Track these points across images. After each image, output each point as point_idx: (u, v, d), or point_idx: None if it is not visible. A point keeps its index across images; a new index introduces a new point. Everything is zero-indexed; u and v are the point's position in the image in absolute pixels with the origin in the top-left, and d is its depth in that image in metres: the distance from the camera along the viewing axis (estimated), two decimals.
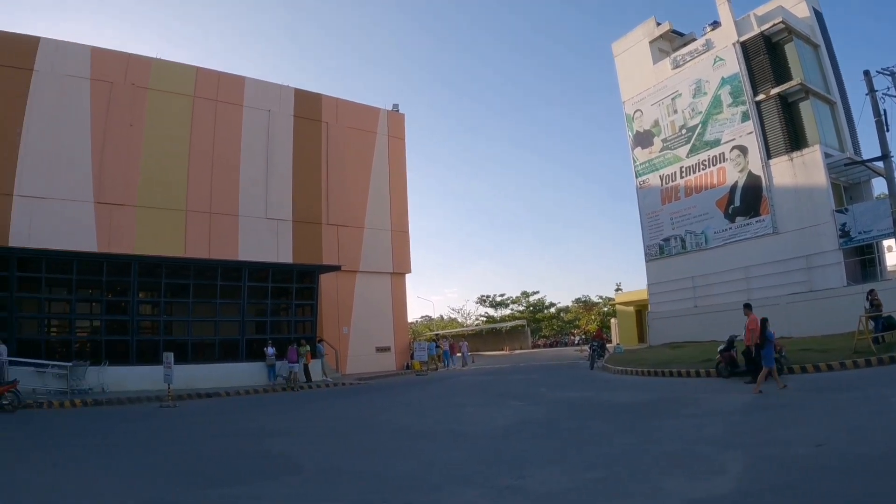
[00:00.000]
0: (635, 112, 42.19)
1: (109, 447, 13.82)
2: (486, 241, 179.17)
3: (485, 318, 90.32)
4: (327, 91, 35.90)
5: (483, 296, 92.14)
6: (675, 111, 39.40)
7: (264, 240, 34.41)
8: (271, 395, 26.13)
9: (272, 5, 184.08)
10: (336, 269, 33.76)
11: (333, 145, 38.22)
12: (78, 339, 27.87)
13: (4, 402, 19.71)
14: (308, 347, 29.79)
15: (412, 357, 38.03)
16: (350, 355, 36.85)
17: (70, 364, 24.52)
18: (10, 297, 25.64)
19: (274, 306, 31.84)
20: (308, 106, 37.89)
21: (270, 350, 29.17)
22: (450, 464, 10.37)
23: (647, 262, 41.15)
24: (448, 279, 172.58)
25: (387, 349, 38.99)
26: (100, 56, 32.61)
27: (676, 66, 39.51)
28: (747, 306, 18.91)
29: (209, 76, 35.20)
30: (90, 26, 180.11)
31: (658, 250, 40.28)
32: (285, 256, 34.63)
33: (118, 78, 32.58)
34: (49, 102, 30.83)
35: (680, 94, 39.15)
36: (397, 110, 41.98)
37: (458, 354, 44.32)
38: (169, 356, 23.05)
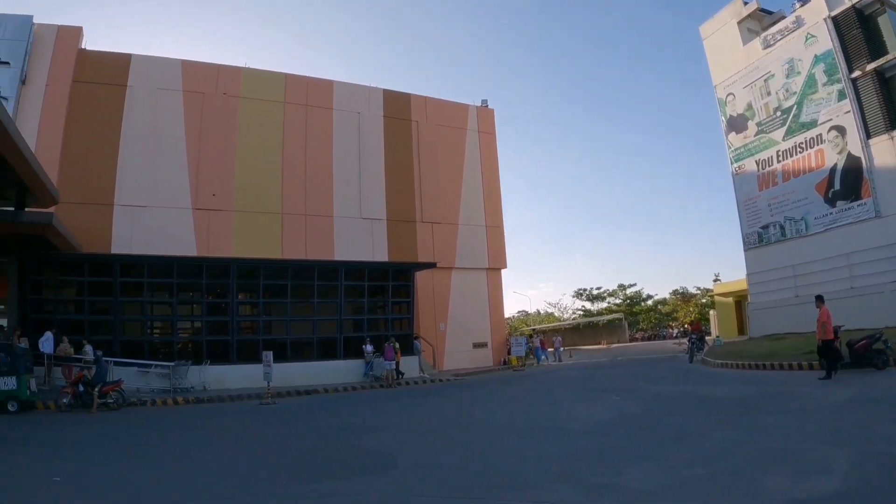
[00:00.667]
0: (727, 96, 40.08)
1: (213, 443, 14.20)
2: (581, 234, 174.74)
3: (581, 312, 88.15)
4: (415, 90, 34.91)
5: (579, 289, 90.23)
6: (769, 93, 37.12)
7: (359, 239, 33.87)
8: (368, 392, 25.79)
9: (353, 7, 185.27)
10: (431, 266, 33.04)
11: (424, 143, 37.47)
12: (180, 339, 28.37)
13: (110, 401, 20.26)
14: (398, 345, 28.90)
15: (509, 352, 36.97)
16: (447, 351, 35.97)
17: (172, 364, 24.96)
18: (115, 301, 26.46)
19: (371, 304, 31.37)
20: (397, 106, 37.28)
21: (369, 347, 28.85)
22: (545, 460, 10.07)
23: (745, 250, 38.90)
24: (544, 274, 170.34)
25: (483, 345, 37.88)
26: (190, 68, 32.92)
27: (767, 45, 37.27)
28: (819, 298, 17.93)
29: (298, 82, 34.97)
30: (181, 41, 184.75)
31: (757, 238, 38.05)
32: (381, 255, 34.01)
33: (209, 88, 32.75)
34: (144, 115, 31.25)
35: (772, 75, 36.87)
36: (486, 106, 40.93)
37: (551, 350, 43.19)
38: (268, 355, 23.03)
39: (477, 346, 37.56)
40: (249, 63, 37.93)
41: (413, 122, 37.41)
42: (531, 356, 39.30)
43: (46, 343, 23.40)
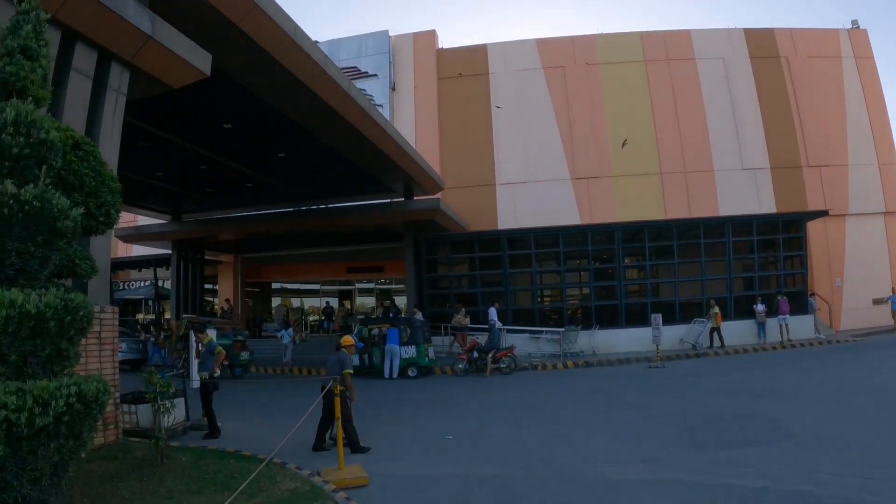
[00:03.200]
0: None
1: (604, 405, 14.49)
2: None
3: None
4: (775, 22, 30.65)
5: None
6: None
7: (743, 191, 31.29)
8: (761, 354, 24.14)
9: None
10: (822, 214, 29.49)
11: (798, 80, 33.48)
12: (569, 306, 28.80)
13: (503, 366, 21.48)
14: (716, 309, 25.78)
15: None
16: (843, 309, 31.94)
17: (562, 329, 25.48)
18: (504, 273, 28.07)
19: (760, 260, 29.03)
20: (761, 44, 33.76)
21: (760, 306, 26.37)
22: None
23: None
24: None
25: (884, 301, 32.27)
26: (546, 45, 33.20)
27: None
28: None
29: (654, 38, 33.32)
30: (525, 21, 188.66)
31: None
32: (767, 206, 31.01)
33: (568, 62, 32.64)
34: (510, 98, 32.40)
35: None
36: (857, 27, 35.58)
37: None
38: (657, 317, 22.67)
39: (877, 302, 32.57)
40: (602, 29, 37.88)
41: (782, 59, 33.61)
42: None
43: (492, 317, 25.00)
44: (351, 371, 10.91)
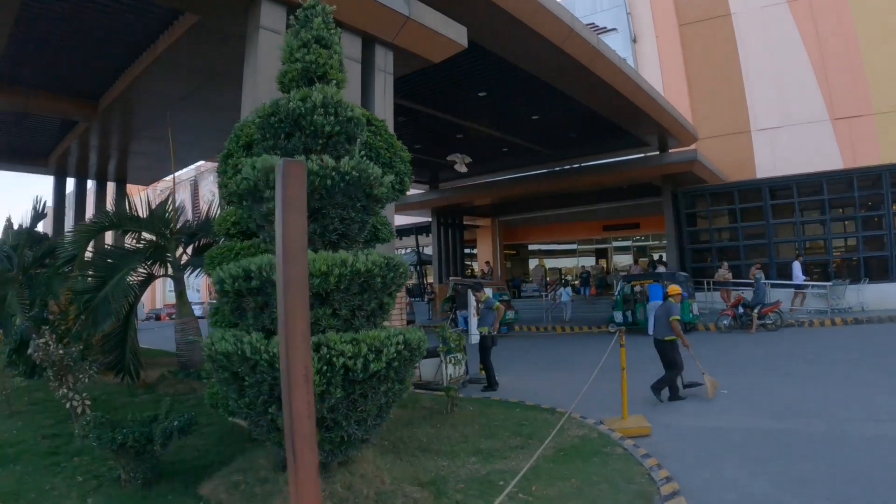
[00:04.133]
0: None
1: (875, 365, 13.66)
2: None
3: None
4: None
5: None
6: None
7: None
8: None
9: None
10: None
11: None
12: (834, 258, 27.44)
13: (768, 322, 21.01)
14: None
15: None
16: None
17: (829, 284, 24.35)
18: (767, 225, 27.79)
19: None
20: None
21: None
22: None
23: None
24: None
25: None
26: None
27: None
28: None
29: None
30: None
31: None
32: None
33: None
34: (756, 37, 30.86)
35: None
36: None
37: None
38: None
39: None
40: None
41: None
42: None
43: (796, 271, 25.13)
44: (678, 317, 11.46)
